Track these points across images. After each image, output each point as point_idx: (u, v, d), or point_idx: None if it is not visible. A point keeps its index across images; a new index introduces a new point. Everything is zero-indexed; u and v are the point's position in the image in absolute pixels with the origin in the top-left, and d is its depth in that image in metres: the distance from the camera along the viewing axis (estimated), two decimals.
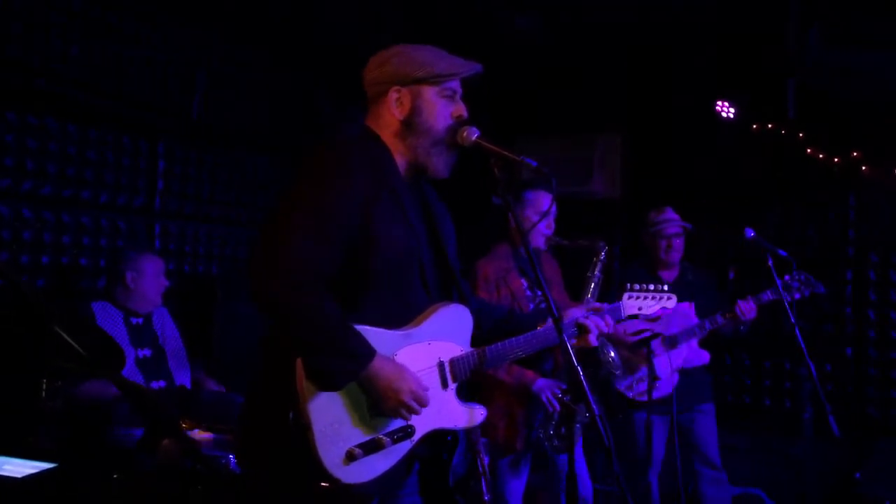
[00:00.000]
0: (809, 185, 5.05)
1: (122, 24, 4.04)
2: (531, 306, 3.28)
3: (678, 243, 3.98)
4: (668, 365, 3.78)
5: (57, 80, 3.73)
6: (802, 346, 3.39)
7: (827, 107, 4.85)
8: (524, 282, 3.38)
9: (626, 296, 2.59)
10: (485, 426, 3.39)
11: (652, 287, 2.60)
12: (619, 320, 2.54)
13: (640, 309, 2.60)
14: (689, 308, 3.91)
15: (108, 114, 4.06)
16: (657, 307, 2.60)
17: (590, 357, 3.23)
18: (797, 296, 3.72)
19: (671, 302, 2.62)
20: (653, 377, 3.56)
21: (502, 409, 3.31)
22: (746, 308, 3.71)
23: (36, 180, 3.74)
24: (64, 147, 3.87)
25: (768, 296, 3.74)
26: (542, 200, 3.41)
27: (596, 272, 3.30)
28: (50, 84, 3.70)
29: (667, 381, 3.78)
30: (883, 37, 4.25)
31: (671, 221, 3.98)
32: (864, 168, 4.84)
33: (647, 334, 3.68)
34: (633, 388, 3.83)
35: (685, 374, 3.86)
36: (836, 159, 4.88)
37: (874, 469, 4.26)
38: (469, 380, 2.15)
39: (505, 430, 3.30)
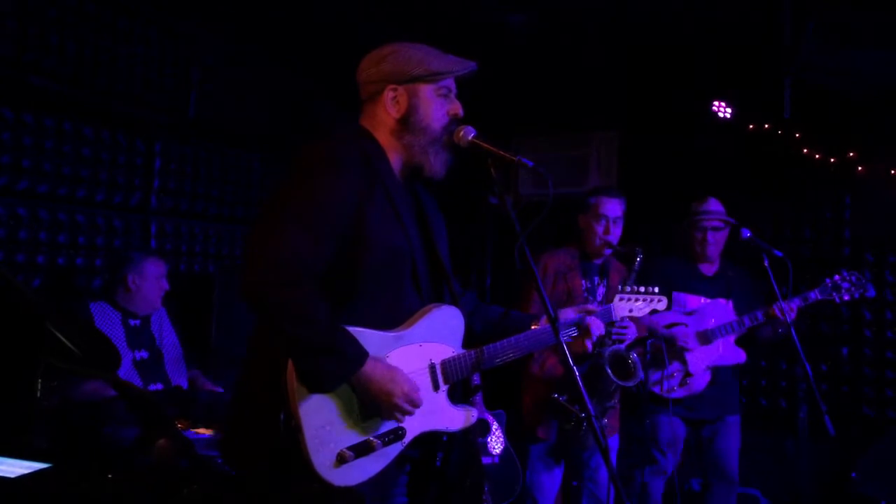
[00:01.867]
0: (805, 185, 5.06)
1: (117, 21, 4.04)
2: None
3: (714, 237, 3.78)
4: (701, 361, 3.66)
5: (52, 78, 3.72)
6: (798, 345, 3.39)
7: (823, 106, 4.85)
8: (584, 282, 3.46)
9: (616, 298, 2.62)
10: (517, 409, 3.55)
11: (642, 290, 2.63)
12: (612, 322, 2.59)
13: (630, 311, 2.63)
14: (727, 305, 3.78)
15: (103, 111, 4.05)
16: (648, 309, 2.63)
17: (594, 370, 3.23)
18: (846, 297, 3.63)
19: (662, 304, 2.66)
20: (686, 373, 3.53)
21: (534, 397, 3.43)
22: (787, 308, 3.56)
23: (31, 179, 3.73)
24: (59, 145, 3.86)
25: (815, 295, 3.62)
26: (602, 205, 3.44)
27: (630, 280, 3.29)
28: (45, 81, 3.69)
29: (699, 378, 3.67)
30: (879, 36, 4.25)
31: (710, 214, 3.79)
32: (859, 168, 4.84)
33: (681, 328, 3.64)
34: (663, 383, 3.64)
35: (717, 373, 3.71)
36: (832, 159, 4.88)
37: (869, 469, 4.26)
38: (466, 381, 2.15)
39: (531, 415, 3.43)
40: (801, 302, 3.63)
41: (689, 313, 3.75)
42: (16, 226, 3.67)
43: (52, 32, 3.69)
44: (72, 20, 3.79)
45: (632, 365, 3.25)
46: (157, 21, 4.26)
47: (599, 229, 3.42)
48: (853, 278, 3.66)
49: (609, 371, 3.18)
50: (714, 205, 3.86)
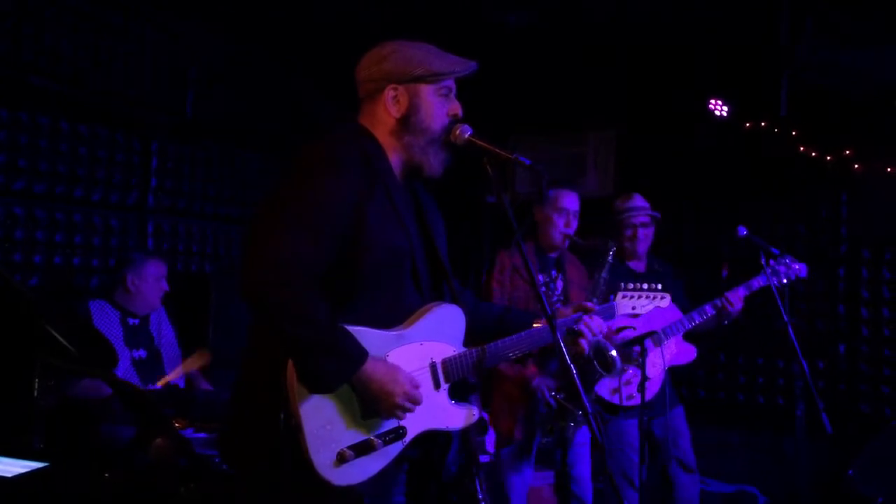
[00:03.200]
0: (803, 183, 5.06)
1: (114, 20, 4.03)
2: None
3: (644, 233, 3.79)
4: (660, 363, 3.61)
5: (49, 77, 3.71)
6: (795, 343, 3.39)
7: (820, 105, 4.86)
8: (541, 277, 3.46)
9: (619, 295, 2.59)
10: (491, 415, 3.52)
11: (646, 286, 2.58)
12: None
13: (633, 308, 2.59)
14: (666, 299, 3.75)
15: (100, 110, 4.05)
16: (651, 306, 2.59)
17: (582, 360, 3.22)
18: (784, 280, 3.65)
19: (665, 301, 2.59)
20: (644, 378, 3.35)
21: (506, 400, 3.41)
22: (735, 298, 3.60)
23: (28, 178, 3.72)
24: (56, 144, 3.85)
25: (757, 282, 3.66)
26: (562, 198, 3.46)
27: (604, 272, 3.29)
28: (42, 81, 3.69)
29: (656, 381, 3.61)
30: (875, 34, 4.26)
31: (638, 210, 3.79)
32: (856, 165, 4.85)
33: (631, 331, 3.54)
34: (621, 391, 3.54)
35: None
36: (828, 157, 4.89)
37: (866, 466, 4.27)
38: (463, 380, 2.15)
39: (506, 419, 3.40)
40: (746, 290, 3.66)
41: (635, 315, 3.65)
42: (12, 225, 3.66)
43: (50, 32, 3.68)
44: (70, 20, 3.78)
45: (610, 358, 3.25)
46: (155, 20, 4.25)
47: (560, 222, 3.44)
48: (787, 260, 3.67)
49: (595, 362, 3.18)
50: (639, 200, 3.85)
